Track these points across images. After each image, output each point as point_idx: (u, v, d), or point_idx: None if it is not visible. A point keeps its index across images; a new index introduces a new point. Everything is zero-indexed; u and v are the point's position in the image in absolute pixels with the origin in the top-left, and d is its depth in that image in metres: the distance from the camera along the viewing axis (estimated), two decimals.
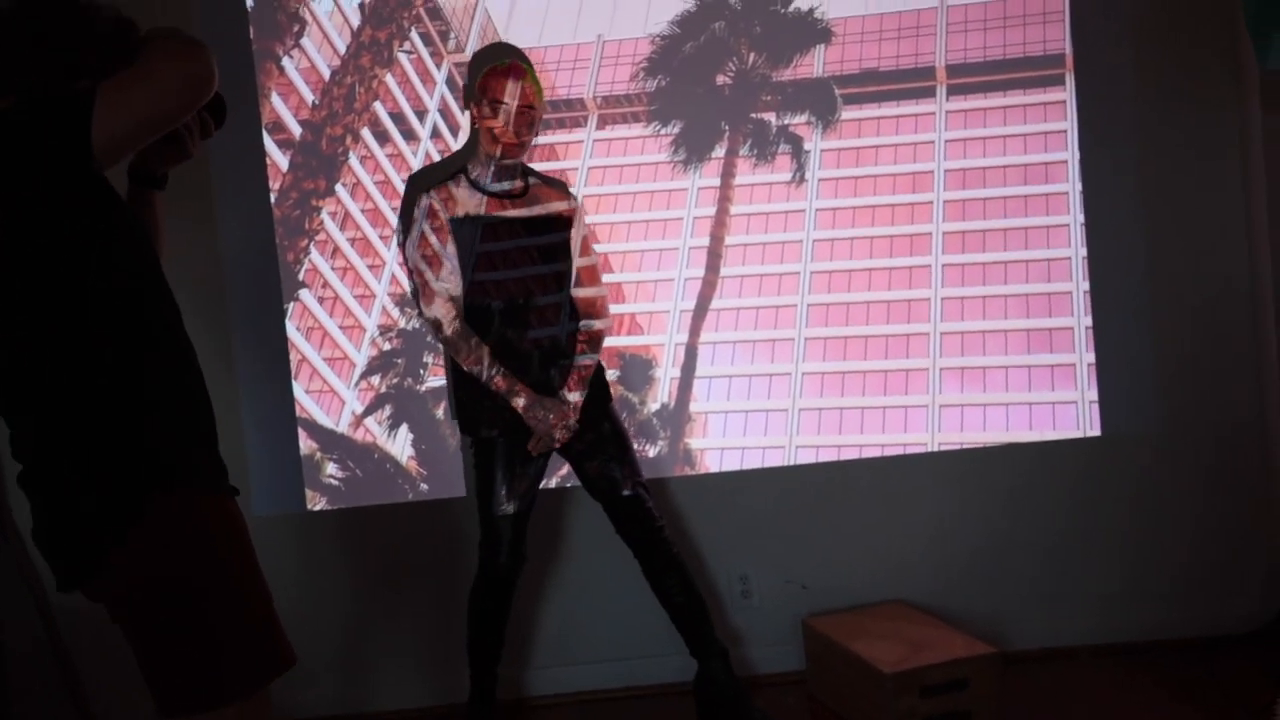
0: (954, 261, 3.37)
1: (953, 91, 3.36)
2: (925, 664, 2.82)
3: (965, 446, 3.36)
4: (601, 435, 2.94)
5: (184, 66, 1.73)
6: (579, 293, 2.96)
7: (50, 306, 1.67)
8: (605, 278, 3.33)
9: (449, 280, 2.84)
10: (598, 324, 2.97)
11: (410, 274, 2.92)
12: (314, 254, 3.37)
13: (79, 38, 1.75)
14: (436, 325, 2.84)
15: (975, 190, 3.37)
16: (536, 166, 3.30)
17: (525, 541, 2.92)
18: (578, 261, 2.97)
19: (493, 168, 2.87)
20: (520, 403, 2.81)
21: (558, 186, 3.04)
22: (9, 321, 1.70)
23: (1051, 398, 3.36)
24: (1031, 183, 3.37)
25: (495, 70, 2.83)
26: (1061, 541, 3.38)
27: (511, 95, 2.80)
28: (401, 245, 3.26)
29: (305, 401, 3.38)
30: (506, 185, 2.90)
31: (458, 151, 3.30)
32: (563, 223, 2.95)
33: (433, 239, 2.84)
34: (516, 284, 2.88)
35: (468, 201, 2.87)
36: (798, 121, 3.36)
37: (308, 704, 3.28)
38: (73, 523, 1.71)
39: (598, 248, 3.34)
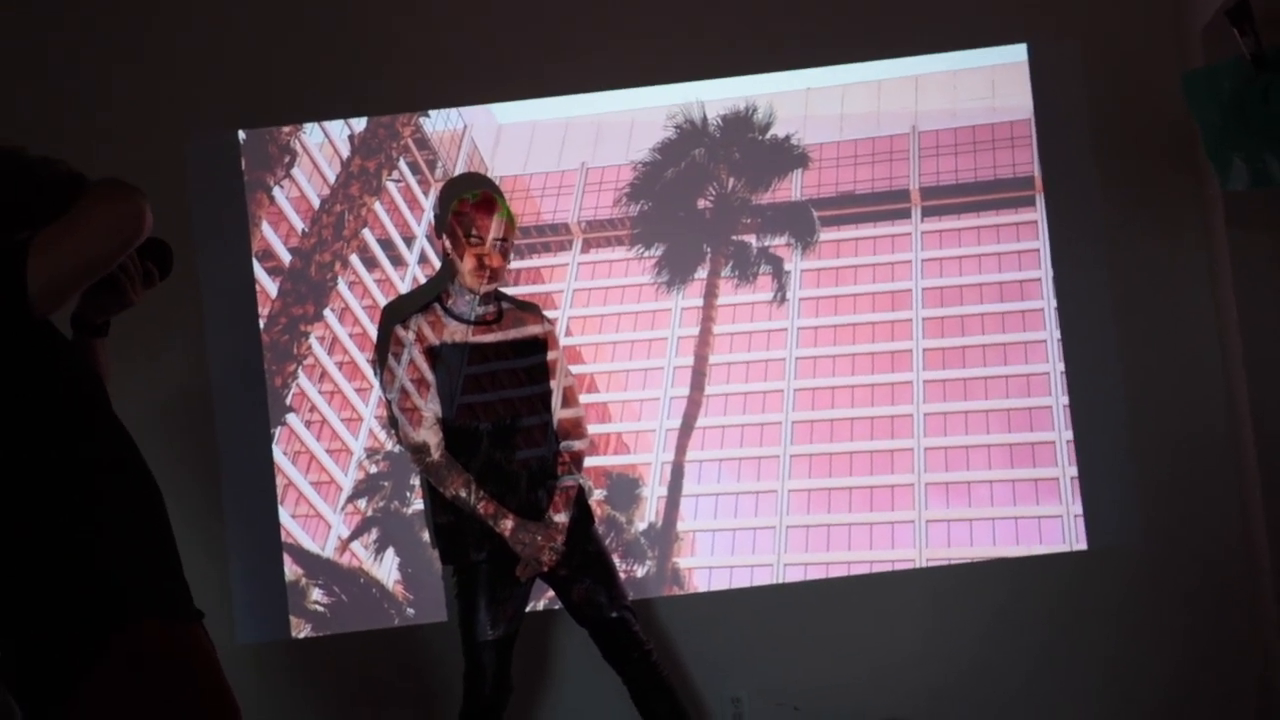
0: (935, 377, 3.42)
1: (927, 213, 3.46)
2: None
3: (953, 562, 3.36)
4: (586, 559, 2.93)
5: (113, 208, 1.77)
6: (560, 414, 2.99)
7: (6, 453, 1.71)
8: (591, 397, 3.37)
9: (434, 405, 2.87)
10: (578, 444, 3.00)
11: (389, 405, 2.94)
12: (302, 378, 3.39)
13: (29, 193, 1.81)
14: (422, 450, 2.85)
15: (953, 308, 3.44)
16: (521, 290, 3.37)
17: (510, 671, 2.88)
18: (556, 383, 3.00)
19: (467, 296, 2.92)
20: (507, 527, 2.81)
21: (531, 310, 3.10)
22: None
23: (1037, 512, 3.38)
24: (1008, 299, 3.44)
25: (470, 204, 2.91)
26: (1051, 656, 3.35)
27: (494, 230, 2.88)
28: (378, 379, 3.29)
29: (291, 526, 3.36)
30: (481, 311, 2.95)
31: (429, 281, 3.36)
32: (540, 345, 3.00)
33: (409, 369, 2.87)
34: (504, 405, 2.91)
35: (443, 330, 2.91)
36: (778, 243, 3.44)
37: None
38: (38, 663, 1.72)
39: (583, 368, 3.38)
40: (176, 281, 3.14)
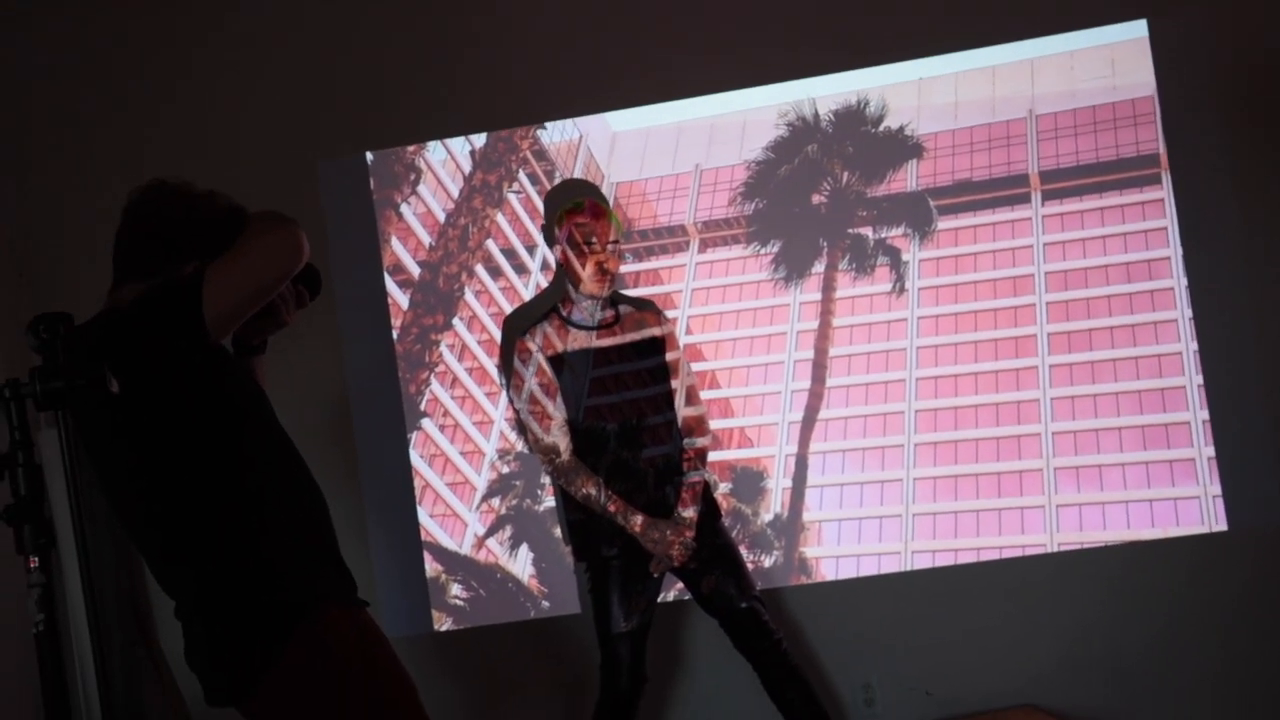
0: (1061, 361, 3.38)
1: (1048, 196, 3.41)
2: None
3: (1086, 546, 3.32)
4: (714, 551, 2.99)
5: (274, 242, 1.91)
6: (683, 412, 3.06)
7: (186, 469, 1.87)
8: (713, 394, 3.43)
9: (562, 409, 2.96)
10: (702, 441, 3.06)
11: (517, 414, 3.04)
12: (434, 385, 3.54)
13: (191, 228, 1.96)
14: (553, 452, 2.95)
15: (1078, 290, 3.39)
16: (640, 291, 3.45)
17: (645, 662, 2.97)
18: (678, 382, 3.07)
19: (586, 303, 3.01)
20: (637, 524, 2.89)
21: (648, 309, 3.16)
22: (151, 491, 1.89)
23: (1172, 493, 3.31)
24: (1135, 280, 3.38)
25: (577, 212, 2.99)
26: (1190, 638, 3.30)
27: (602, 236, 2.96)
28: (505, 388, 3.40)
29: (429, 525, 3.52)
30: (601, 315, 3.03)
31: (547, 290, 3.46)
32: (660, 345, 3.07)
33: (537, 376, 2.97)
34: (630, 405, 2.99)
35: (567, 338, 3.00)
36: (895, 234, 3.44)
37: None
38: (227, 652, 1.87)
39: (704, 365, 3.45)
40: (314, 301, 3.35)
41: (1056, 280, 3.40)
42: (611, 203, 3.46)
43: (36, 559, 1.53)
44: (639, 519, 2.90)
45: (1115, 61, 3.40)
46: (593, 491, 2.91)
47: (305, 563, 1.92)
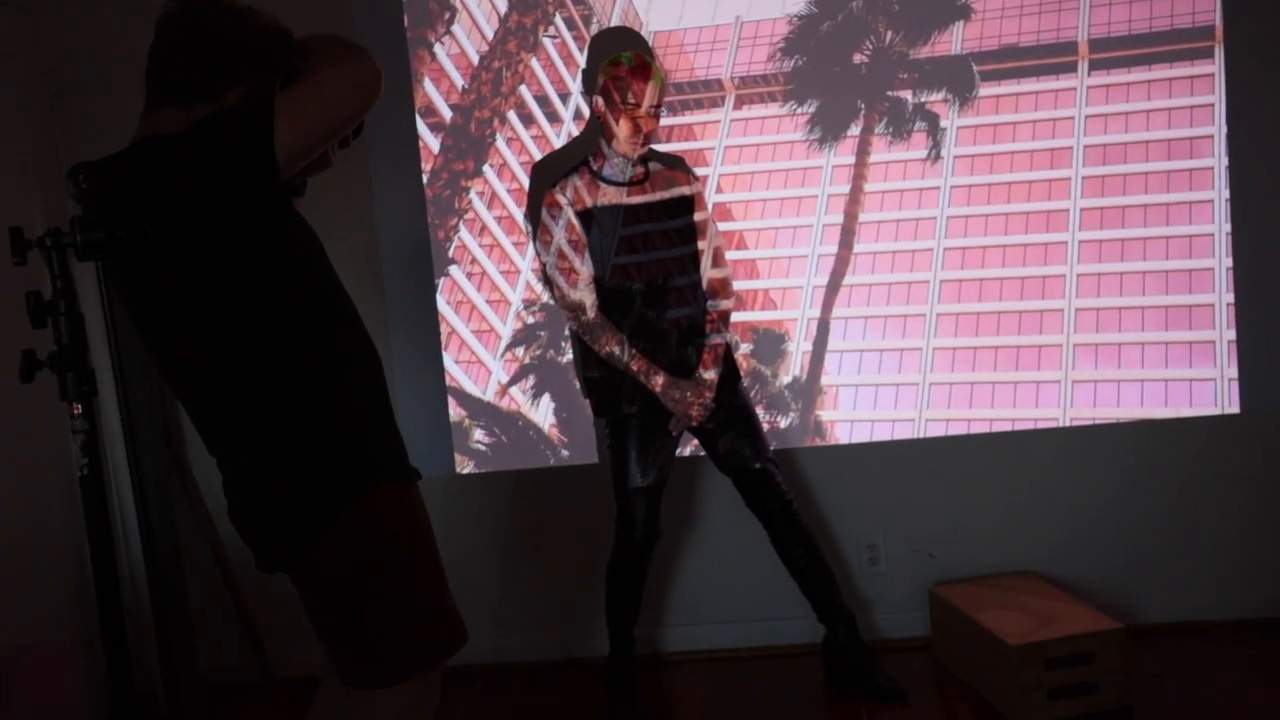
0: (1091, 237, 3.36)
1: (1095, 66, 3.32)
2: (1051, 637, 2.88)
3: (1098, 423, 3.37)
4: (731, 413, 3.06)
5: (352, 74, 1.76)
6: (709, 274, 3.07)
7: (241, 321, 1.75)
8: (740, 254, 3.44)
9: (590, 265, 2.98)
10: (725, 304, 3.08)
11: (544, 267, 3.04)
12: (463, 232, 3.56)
13: (236, 47, 1.78)
14: (578, 309, 2.98)
15: (1116, 166, 3.34)
16: (673, 147, 3.41)
17: (659, 517, 3.07)
18: (705, 243, 3.07)
19: (618, 159, 2.97)
20: (658, 383, 2.95)
21: (678, 167, 3.13)
22: (200, 345, 1.79)
23: (1189, 375, 3.34)
24: (1175, 158, 3.32)
25: (625, 68, 2.91)
26: (1196, 517, 3.37)
27: (649, 97, 2.90)
28: (532, 237, 3.40)
29: (455, 371, 3.59)
30: (631, 173, 3.01)
31: (578, 139, 3.42)
32: (689, 205, 3.06)
33: (566, 231, 2.97)
34: (656, 265, 3.01)
35: (597, 193, 2.98)
36: (934, 99, 3.37)
37: None
38: (275, 521, 1.83)
39: (732, 225, 3.44)
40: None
41: (1095, 154, 3.34)
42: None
43: (80, 406, 1.58)
44: (661, 378, 2.96)
45: None
46: (616, 349, 2.96)
47: (361, 432, 1.84)
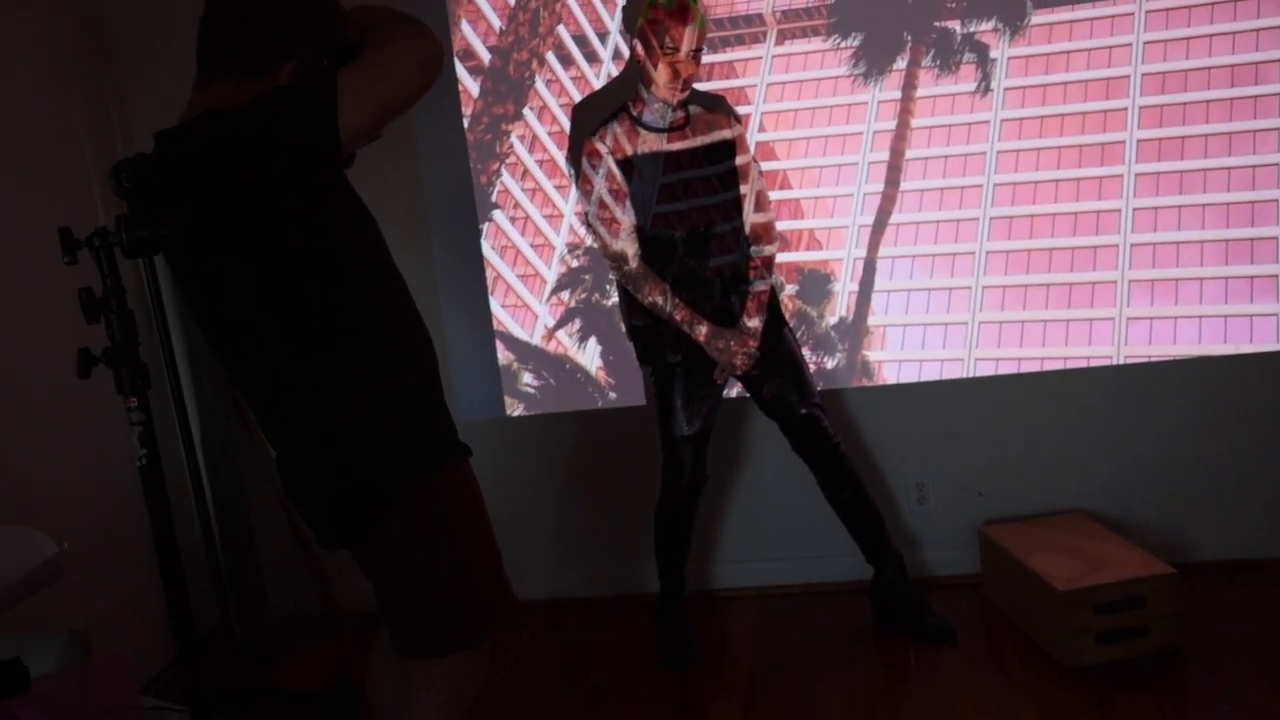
0: (1148, 170, 3.26)
1: None
2: (1099, 582, 2.88)
3: (1154, 360, 3.31)
4: (777, 359, 3.05)
5: (416, 52, 1.71)
6: (752, 219, 3.03)
7: (305, 304, 1.74)
8: (784, 194, 3.39)
9: (631, 214, 2.96)
10: (769, 249, 3.05)
11: (586, 216, 3.03)
12: (505, 176, 3.54)
13: (288, 19, 1.76)
14: (621, 259, 2.97)
15: (1175, 95, 3.22)
16: (714, 85, 3.35)
17: (706, 463, 3.10)
18: (747, 187, 3.03)
19: (657, 104, 2.92)
20: (702, 333, 2.94)
21: (720, 108, 3.07)
22: (261, 327, 1.78)
23: (1249, 310, 3.26)
24: (1239, 84, 3.19)
25: (664, 10, 2.84)
26: (1254, 453, 3.32)
27: (688, 41, 2.84)
28: (574, 180, 3.37)
29: (501, 315, 3.61)
30: (671, 118, 2.96)
31: (618, 80, 3.35)
32: (730, 149, 3.01)
33: (607, 180, 2.94)
34: (698, 213, 2.98)
35: (638, 140, 2.94)
36: (984, 29, 3.26)
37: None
38: (341, 506, 1.84)
39: (776, 165, 3.39)
40: None
41: (1153, 83, 3.22)
42: None
43: (135, 399, 1.62)
44: (704, 327, 2.95)
45: None
46: (659, 299, 2.95)
47: (422, 416, 1.86)
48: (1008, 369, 3.39)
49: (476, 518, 1.93)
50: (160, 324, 1.65)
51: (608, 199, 2.97)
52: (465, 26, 3.47)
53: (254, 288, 1.75)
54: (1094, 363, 3.34)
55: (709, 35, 3.23)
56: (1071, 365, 3.35)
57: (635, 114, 2.98)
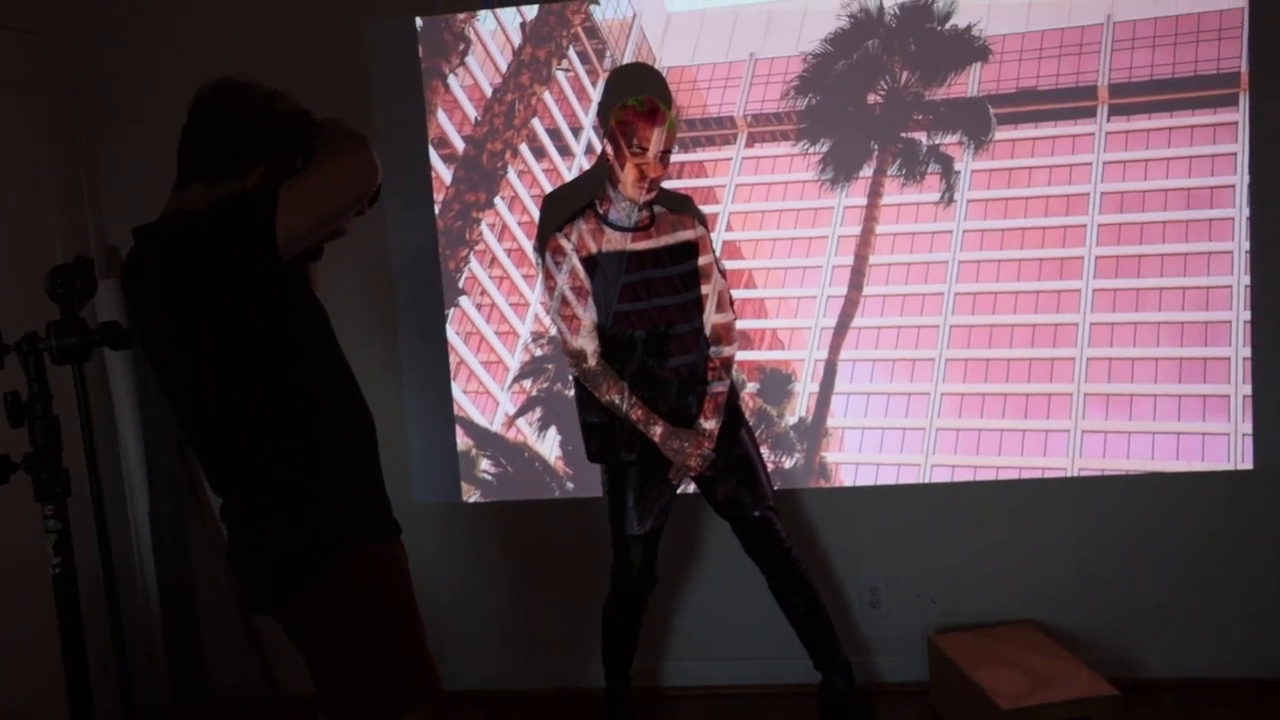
0: (1106, 286, 3.30)
1: (1114, 111, 3.25)
2: (1044, 702, 2.86)
3: (1107, 473, 3.32)
4: (732, 460, 3.05)
5: (352, 168, 1.90)
6: (712, 319, 3.05)
7: (242, 380, 1.90)
8: (748, 293, 3.42)
9: (592, 312, 2.97)
10: (728, 350, 3.07)
11: (549, 312, 3.05)
12: (474, 263, 3.57)
13: (259, 131, 1.94)
14: (580, 356, 2.98)
15: (1133, 214, 3.28)
16: (683, 184, 3.39)
17: (655, 563, 3.09)
18: (709, 288, 3.05)
19: (624, 203, 2.96)
20: (657, 433, 2.95)
21: (685, 210, 3.11)
22: (206, 395, 1.92)
23: (1202, 428, 3.28)
24: (1195, 207, 3.25)
25: (634, 111, 2.89)
26: (1203, 572, 3.33)
27: (656, 143, 2.87)
28: (540, 271, 3.39)
29: (463, 401, 3.62)
30: (636, 218, 2.99)
31: (590, 173, 3.38)
32: (693, 250, 3.04)
33: (569, 277, 2.97)
34: (659, 313, 2.99)
35: (602, 239, 2.97)
36: (949, 141, 3.32)
37: (449, 677, 3.58)
38: (265, 568, 1.97)
39: (741, 264, 3.42)
40: None
41: (1112, 201, 3.28)
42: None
43: (53, 506, 1.62)
44: (660, 428, 2.96)
45: None
46: (617, 398, 2.96)
47: (349, 490, 1.99)
48: (964, 476, 3.40)
49: (399, 595, 2.00)
50: (86, 430, 1.65)
51: (570, 295, 2.99)
52: (441, 115, 3.52)
53: (216, 360, 1.89)
54: (1049, 473, 3.35)
55: (680, 135, 3.29)
56: (1027, 475, 3.37)
57: (602, 212, 3.01)
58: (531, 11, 3.45)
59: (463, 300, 3.59)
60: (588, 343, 2.98)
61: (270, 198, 1.82)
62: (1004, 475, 3.38)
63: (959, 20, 3.27)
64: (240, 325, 1.87)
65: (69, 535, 1.63)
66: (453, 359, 3.60)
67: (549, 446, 3.59)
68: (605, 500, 3.10)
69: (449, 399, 3.61)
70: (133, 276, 1.91)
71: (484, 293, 3.58)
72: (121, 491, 3.55)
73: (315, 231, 1.90)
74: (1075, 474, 3.35)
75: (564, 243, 2.99)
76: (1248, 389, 3.24)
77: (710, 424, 3.00)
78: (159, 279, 1.85)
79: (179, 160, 1.97)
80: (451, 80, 3.51)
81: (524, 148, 3.51)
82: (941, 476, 3.41)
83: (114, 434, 3.53)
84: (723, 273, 3.16)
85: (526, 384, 3.58)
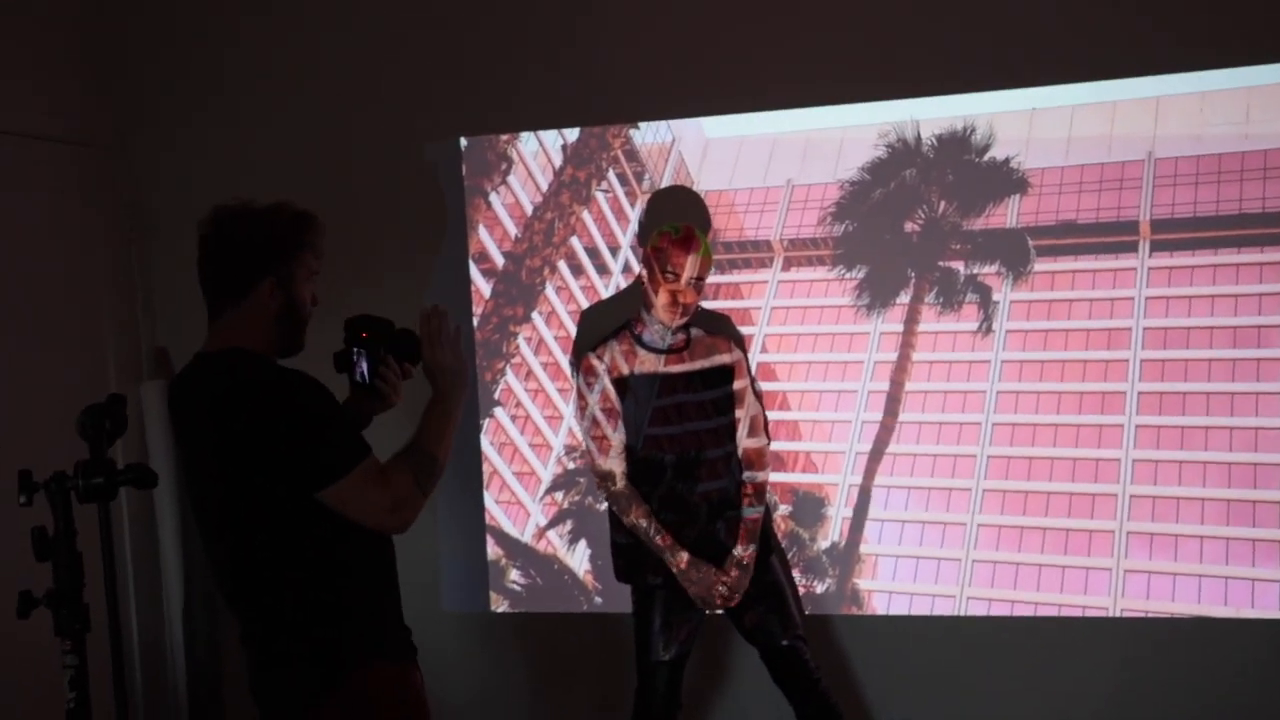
0: (1149, 423, 3.24)
1: (1157, 247, 3.22)
2: None
3: (1151, 615, 3.22)
4: (761, 587, 3.00)
5: (402, 505, 2.02)
6: (744, 444, 3.03)
7: (271, 509, 1.97)
8: (782, 415, 3.40)
9: (622, 434, 2.97)
10: (760, 476, 3.04)
11: (581, 430, 3.06)
12: (509, 375, 3.59)
13: (259, 247, 2.06)
14: (608, 477, 2.97)
15: (1177, 350, 3.23)
16: (720, 305, 3.41)
17: (680, 689, 3.03)
18: (743, 412, 3.04)
19: (658, 326, 2.97)
20: (680, 562, 2.92)
21: (721, 330, 3.11)
22: (234, 520, 2.00)
23: (1252, 574, 3.18)
24: (1242, 346, 3.19)
25: (669, 239, 2.92)
26: None
27: (689, 269, 2.90)
28: (574, 379, 3.41)
29: (494, 511, 3.61)
30: (670, 341, 3.00)
31: (627, 292, 3.42)
32: (728, 374, 3.03)
33: (600, 399, 2.97)
34: (690, 437, 2.99)
35: (635, 361, 2.98)
36: (987, 271, 3.31)
37: None
38: (282, 685, 2.02)
39: (776, 386, 3.41)
40: (401, 281, 3.41)
41: (1155, 337, 3.24)
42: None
43: (71, 642, 1.63)
44: (684, 556, 2.92)
45: (1251, 108, 3.15)
46: (643, 523, 2.94)
47: (369, 613, 2.05)
48: (1000, 610, 3.31)
49: (415, 716, 2.03)
50: (108, 568, 1.67)
51: (600, 416, 2.99)
52: (482, 231, 3.58)
53: (230, 481, 1.98)
54: (1089, 612, 3.26)
55: (716, 257, 3.31)
56: (1066, 613, 3.27)
57: (636, 333, 3.03)
58: (573, 134, 3.52)
59: (498, 411, 3.61)
60: (616, 464, 2.97)
61: (338, 471, 1.93)
62: (1042, 612, 3.29)
63: (997, 153, 3.28)
64: (274, 459, 1.95)
65: (86, 671, 1.65)
66: (486, 468, 3.61)
67: (579, 560, 3.57)
68: (633, 623, 3.06)
69: (481, 508, 3.61)
70: (183, 396, 2.04)
71: (519, 404, 3.60)
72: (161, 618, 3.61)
73: (347, 510, 1.98)
74: (1117, 614, 3.25)
75: (596, 363, 3.00)
76: None
77: (742, 550, 2.97)
78: (209, 414, 1.96)
79: (203, 292, 2.10)
80: (493, 198, 3.58)
81: (562, 265, 3.55)
82: (977, 610, 3.33)
83: (157, 554, 3.60)
84: (759, 395, 3.15)
85: (558, 496, 3.57)
